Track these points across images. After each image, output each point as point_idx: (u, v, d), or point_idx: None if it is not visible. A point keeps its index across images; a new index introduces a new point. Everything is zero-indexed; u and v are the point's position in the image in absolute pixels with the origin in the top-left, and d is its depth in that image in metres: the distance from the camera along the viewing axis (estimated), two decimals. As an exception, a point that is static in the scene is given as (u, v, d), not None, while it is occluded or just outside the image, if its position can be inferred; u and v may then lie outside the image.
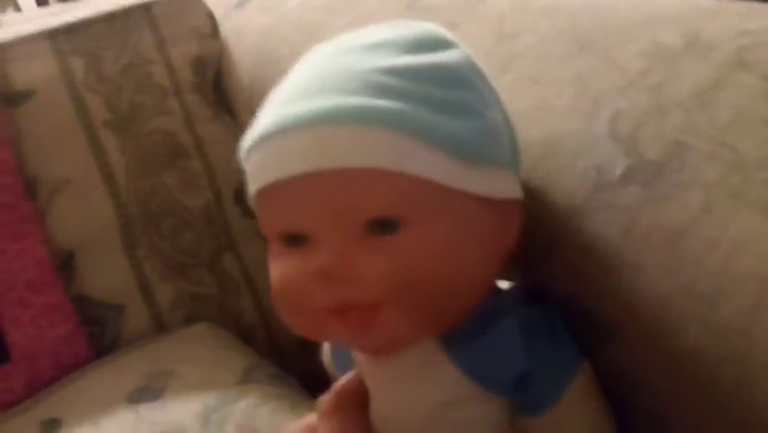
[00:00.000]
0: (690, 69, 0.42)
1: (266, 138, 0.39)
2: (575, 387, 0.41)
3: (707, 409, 0.37)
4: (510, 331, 0.40)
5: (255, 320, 0.88)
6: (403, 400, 0.43)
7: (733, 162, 0.38)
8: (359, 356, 0.45)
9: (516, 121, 0.45)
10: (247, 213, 0.88)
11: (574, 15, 0.51)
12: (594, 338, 0.42)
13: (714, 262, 0.37)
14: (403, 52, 0.41)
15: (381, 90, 0.38)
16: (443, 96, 0.40)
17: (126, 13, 0.88)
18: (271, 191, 0.40)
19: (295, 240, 0.40)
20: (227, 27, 0.92)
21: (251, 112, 0.43)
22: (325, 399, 0.46)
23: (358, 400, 0.45)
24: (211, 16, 0.93)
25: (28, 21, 0.89)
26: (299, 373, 0.78)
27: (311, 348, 0.55)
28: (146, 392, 0.72)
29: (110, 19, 0.87)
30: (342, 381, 0.46)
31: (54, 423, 0.71)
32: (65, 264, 0.82)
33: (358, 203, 0.38)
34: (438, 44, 0.42)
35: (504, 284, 0.46)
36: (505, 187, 0.42)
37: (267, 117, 0.40)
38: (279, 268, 0.41)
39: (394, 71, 0.39)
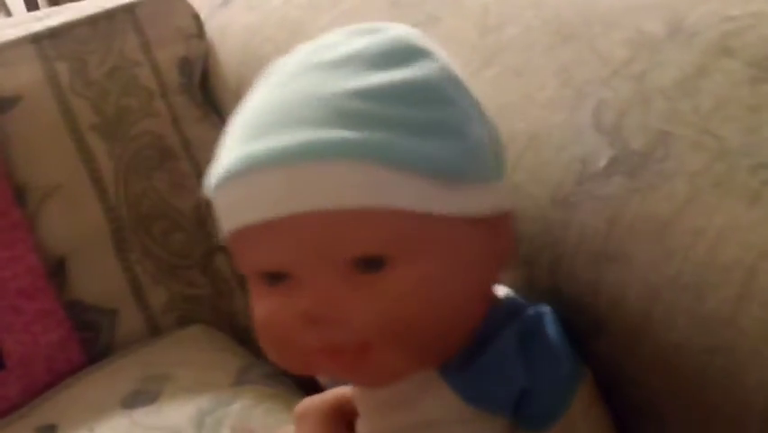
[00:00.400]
0: (673, 56, 0.42)
1: (234, 177, 0.37)
2: (577, 399, 0.39)
3: (699, 401, 0.37)
4: (507, 349, 0.38)
5: (249, 321, 0.87)
6: (396, 424, 0.41)
7: (717, 150, 0.37)
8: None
9: (500, 114, 0.44)
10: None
11: (558, 5, 0.51)
12: (581, 333, 0.41)
13: (700, 253, 0.37)
14: (371, 68, 0.38)
15: (351, 119, 0.36)
16: (417, 116, 0.37)
17: (110, 15, 0.87)
18: (245, 232, 0.37)
19: (276, 278, 0.38)
20: (212, 26, 0.92)
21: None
22: (309, 404, 0.45)
23: (345, 417, 0.44)
24: (196, 16, 0.92)
25: (13, 26, 0.88)
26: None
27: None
28: (140, 397, 0.72)
29: (93, 22, 0.86)
30: (333, 393, 0.45)
31: (49, 429, 0.71)
32: (56, 270, 0.81)
33: (340, 243, 0.36)
34: (410, 55, 0.39)
35: (501, 290, 0.43)
36: (493, 201, 0.40)
37: (233, 152, 0.38)
38: (263, 307, 0.39)
39: (363, 94, 0.37)
